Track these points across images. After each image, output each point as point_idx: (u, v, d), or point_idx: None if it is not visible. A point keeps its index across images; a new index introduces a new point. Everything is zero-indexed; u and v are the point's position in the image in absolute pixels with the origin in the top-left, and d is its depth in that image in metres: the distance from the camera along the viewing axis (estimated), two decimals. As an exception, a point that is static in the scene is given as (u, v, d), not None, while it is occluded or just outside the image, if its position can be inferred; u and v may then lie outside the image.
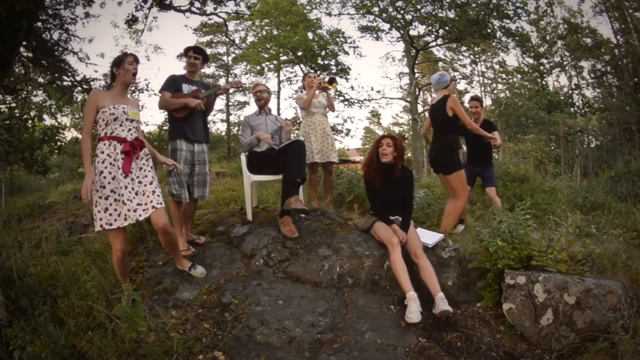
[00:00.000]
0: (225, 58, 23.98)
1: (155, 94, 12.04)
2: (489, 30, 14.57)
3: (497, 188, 4.28)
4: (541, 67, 17.74)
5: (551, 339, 2.23)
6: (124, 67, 2.50)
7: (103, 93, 2.51)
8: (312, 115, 4.17)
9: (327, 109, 4.32)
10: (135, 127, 2.52)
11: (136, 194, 2.39)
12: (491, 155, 4.23)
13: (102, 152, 2.38)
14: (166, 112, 3.30)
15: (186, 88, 3.19)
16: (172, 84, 3.18)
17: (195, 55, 3.25)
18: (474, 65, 22.79)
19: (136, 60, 2.53)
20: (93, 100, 2.44)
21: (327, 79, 4.18)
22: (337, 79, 16.19)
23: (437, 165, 3.64)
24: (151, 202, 2.39)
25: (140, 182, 2.44)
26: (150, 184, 2.46)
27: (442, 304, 2.46)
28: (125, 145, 2.41)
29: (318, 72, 15.34)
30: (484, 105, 4.28)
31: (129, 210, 2.33)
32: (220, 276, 2.85)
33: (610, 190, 6.31)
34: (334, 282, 2.84)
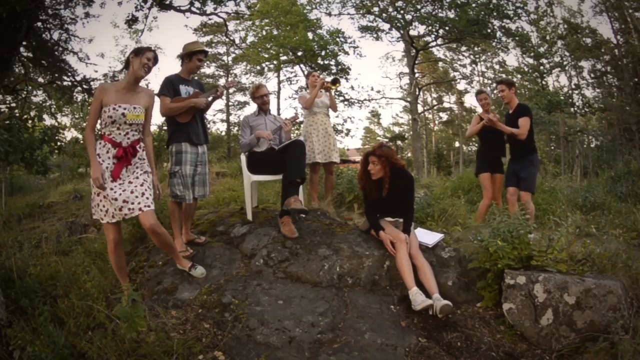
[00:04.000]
0: (225, 58, 23.99)
1: (155, 94, 12.01)
2: (489, 30, 14.57)
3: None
4: (541, 67, 17.75)
5: (551, 339, 2.23)
6: (141, 60, 2.44)
7: (109, 87, 2.47)
8: (315, 115, 4.17)
9: (330, 109, 4.32)
10: (135, 130, 2.51)
11: (123, 191, 2.37)
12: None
13: (95, 151, 2.41)
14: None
15: (183, 90, 3.14)
16: (171, 87, 3.10)
17: (203, 58, 3.21)
18: (474, 65, 22.81)
19: (155, 59, 2.49)
20: (98, 96, 2.42)
21: (330, 79, 4.17)
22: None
23: None
24: (139, 203, 2.37)
25: (130, 182, 2.43)
26: (141, 185, 2.43)
27: (439, 303, 2.44)
28: (119, 150, 2.42)
29: (319, 72, 15.32)
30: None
31: (115, 209, 2.36)
32: (220, 276, 2.85)
33: (610, 190, 6.30)
34: (334, 282, 2.84)
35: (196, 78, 3.45)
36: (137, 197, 2.38)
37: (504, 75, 20.91)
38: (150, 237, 2.55)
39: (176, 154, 3.09)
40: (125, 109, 2.42)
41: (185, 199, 3.06)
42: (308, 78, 4.38)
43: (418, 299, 2.50)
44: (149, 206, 2.40)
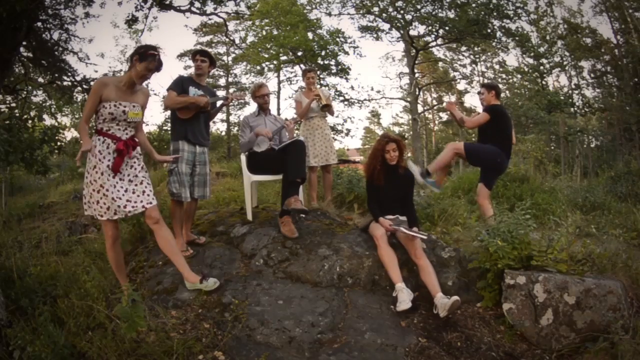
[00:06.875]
0: (225, 58, 23.95)
1: (155, 94, 12.03)
2: (489, 30, 14.54)
3: (491, 190, 3.84)
4: (541, 67, 17.71)
5: (551, 339, 2.23)
6: (147, 65, 2.40)
7: (109, 83, 2.43)
8: (311, 119, 4.17)
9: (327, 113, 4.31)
10: (132, 127, 2.54)
11: (125, 191, 2.43)
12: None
13: (95, 147, 2.40)
14: (169, 113, 3.30)
15: (192, 91, 3.20)
16: (180, 85, 3.18)
17: (202, 58, 3.28)
18: (474, 65, 22.77)
19: (157, 69, 2.46)
20: (98, 90, 2.38)
21: (321, 105, 4.11)
22: (337, 79, 16.35)
23: None
24: (141, 201, 2.45)
25: (130, 181, 2.47)
26: (141, 183, 2.50)
27: (445, 301, 2.44)
28: (119, 144, 2.43)
29: (318, 72, 15.34)
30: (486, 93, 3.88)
31: (118, 206, 2.38)
32: (220, 276, 2.85)
33: (610, 190, 6.31)
34: (334, 282, 2.84)
35: (211, 88, 3.53)
36: (138, 196, 2.45)
37: (503, 75, 20.93)
38: (156, 237, 2.54)
39: (173, 152, 3.16)
40: (125, 107, 2.44)
41: (181, 196, 3.08)
42: (304, 77, 4.35)
43: (401, 298, 2.53)
44: (150, 203, 2.48)
